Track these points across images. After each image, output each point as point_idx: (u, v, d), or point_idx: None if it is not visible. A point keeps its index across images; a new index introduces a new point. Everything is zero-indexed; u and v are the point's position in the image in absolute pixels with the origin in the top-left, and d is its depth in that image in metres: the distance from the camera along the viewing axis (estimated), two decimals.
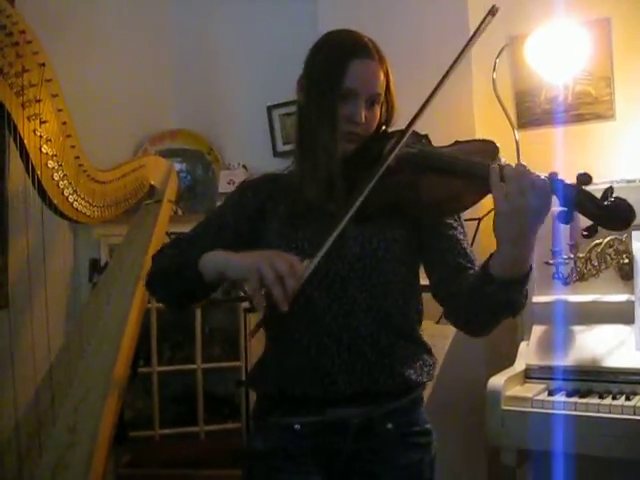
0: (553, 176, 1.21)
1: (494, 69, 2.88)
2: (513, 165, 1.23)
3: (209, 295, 1.52)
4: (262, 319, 1.36)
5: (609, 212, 1.17)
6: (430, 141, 1.50)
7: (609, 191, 1.18)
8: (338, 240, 1.33)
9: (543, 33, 2.84)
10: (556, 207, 1.23)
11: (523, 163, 1.25)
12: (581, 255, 2.44)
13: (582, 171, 1.19)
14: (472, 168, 1.31)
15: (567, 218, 1.21)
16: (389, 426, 1.45)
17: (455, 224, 1.50)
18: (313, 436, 1.44)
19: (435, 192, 1.37)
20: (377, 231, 1.44)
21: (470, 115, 2.98)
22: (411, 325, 1.50)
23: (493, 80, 2.87)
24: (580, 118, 2.91)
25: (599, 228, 1.21)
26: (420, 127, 3.14)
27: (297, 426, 1.44)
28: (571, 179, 2.70)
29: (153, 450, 3.10)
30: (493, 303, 1.31)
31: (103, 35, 3.26)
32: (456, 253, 1.45)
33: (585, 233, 1.22)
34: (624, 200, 1.17)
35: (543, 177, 1.20)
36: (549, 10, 2.83)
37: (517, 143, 2.85)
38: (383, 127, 1.53)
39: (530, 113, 3.02)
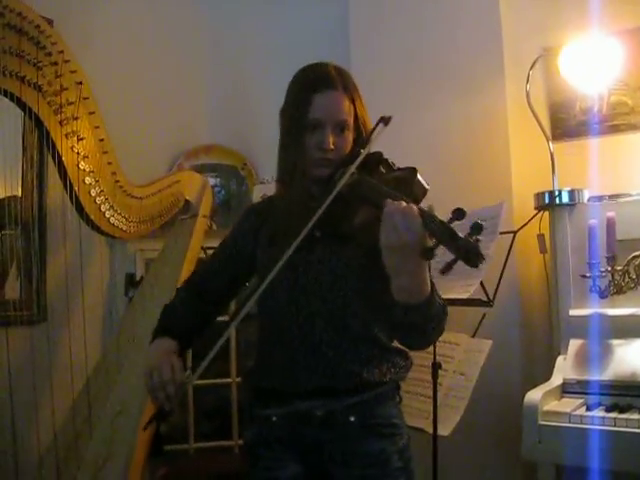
0: (427, 212, 1.31)
1: (527, 81, 2.87)
2: (395, 203, 1.32)
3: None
4: (155, 414, 1.54)
5: (462, 251, 1.23)
6: (390, 165, 1.57)
7: (475, 229, 1.24)
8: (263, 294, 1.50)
9: (577, 44, 2.82)
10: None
11: (406, 202, 1.32)
12: (619, 267, 2.40)
13: (458, 207, 1.26)
14: (377, 200, 1.39)
15: (429, 254, 1.27)
16: (352, 419, 1.58)
17: None
18: (286, 426, 1.61)
19: (363, 219, 1.48)
20: (335, 251, 1.60)
21: (504, 127, 2.97)
22: (375, 331, 1.62)
23: (527, 92, 2.86)
24: (615, 129, 2.88)
25: None
26: (454, 139, 3.14)
27: (274, 418, 1.62)
28: (607, 191, 2.65)
29: (188, 464, 3.11)
30: (398, 324, 1.44)
31: (139, 54, 3.31)
32: None
33: (443, 269, 1.26)
34: (471, 241, 1.23)
35: (417, 215, 1.29)
36: (583, 21, 2.81)
37: (552, 155, 2.83)
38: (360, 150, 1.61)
39: (565, 125, 2.99)
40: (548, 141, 2.86)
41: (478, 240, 1.24)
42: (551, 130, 2.98)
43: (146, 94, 3.29)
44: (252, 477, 1.68)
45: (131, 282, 2.94)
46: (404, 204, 1.32)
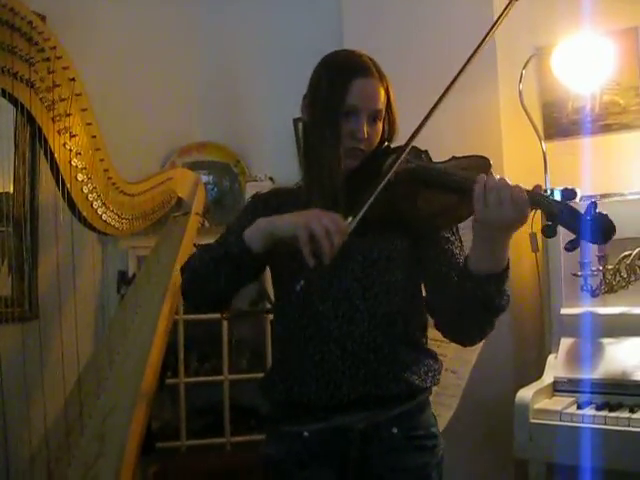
0: (536, 190, 1.27)
1: (520, 80, 2.87)
2: (496, 177, 1.29)
3: (251, 280, 1.55)
4: (312, 269, 1.35)
5: (589, 226, 1.20)
6: (430, 157, 1.55)
7: (592, 206, 1.21)
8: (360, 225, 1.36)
9: (570, 43, 2.83)
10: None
11: (505, 177, 1.29)
12: (610, 267, 2.41)
13: (569, 186, 1.25)
14: (461, 182, 1.36)
15: (550, 232, 1.25)
16: (394, 430, 1.50)
17: (452, 238, 1.54)
18: (321, 442, 1.50)
19: (429, 205, 1.43)
20: (379, 242, 1.51)
21: (497, 126, 2.97)
22: (413, 332, 1.56)
23: (520, 91, 2.87)
24: (608, 128, 2.89)
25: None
26: (447, 138, 3.14)
27: (306, 433, 1.51)
28: (599, 190, 2.66)
29: (180, 461, 3.11)
30: (471, 299, 1.36)
31: (132, 50, 3.30)
32: (450, 266, 1.48)
33: (567, 246, 1.26)
34: (605, 215, 1.21)
35: (523, 190, 1.26)
36: (576, 20, 2.82)
37: (544, 154, 2.84)
38: (386, 143, 1.58)
39: (557, 124, 3.00)
40: (540, 140, 2.87)
41: (602, 214, 1.19)
42: (543, 129, 2.99)
43: (139, 91, 3.28)
44: None
45: (123, 279, 2.93)
46: (504, 180, 1.27)
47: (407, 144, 1.46)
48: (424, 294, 1.58)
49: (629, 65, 2.83)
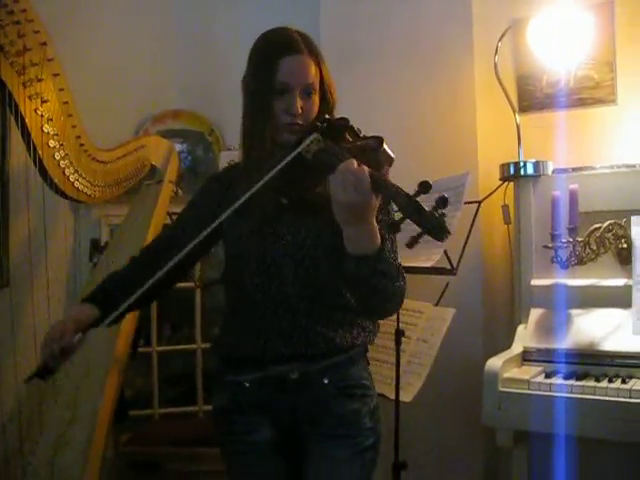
0: (377, 178, 1.32)
1: (496, 52, 2.88)
2: (347, 162, 1.34)
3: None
4: (37, 370, 1.58)
5: (430, 225, 1.24)
6: (354, 129, 1.54)
7: (440, 202, 1.24)
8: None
9: (546, 16, 2.83)
10: None
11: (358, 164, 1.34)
12: (580, 239, 2.44)
13: (425, 180, 1.26)
14: (331, 165, 1.39)
15: (395, 228, 1.31)
16: (325, 381, 1.61)
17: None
18: (259, 391, 1.63)
19: (323, 186, 1.46)
20: (305, 220, 1.60)
21: (471, 98, 2.98)
22: (346, 299, 1.62)
23: (495, 63, 2.87)
24: (582, 102, 2.91)
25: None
26: (422, 109, 3.13)
27: (247, 384, 1.64)
28: (571, 164, 2.67)
29: (152, 429, 3.13)
30: (350, 278, 1.45)
31: (106, 16, 3.25)
32: None
33: (407, 243, 1.28)
34: (439, 216, 1.24)
35: (366, 177, 1.31)
36: None
37: (518, 127, 2.85)
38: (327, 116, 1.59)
39: (531, 97, 3.02)
40: (515, 113, 2.88)
41: (443, 214, 1.24)
42: (518, 102, 3.00)
43: (114, 57, 3.23)
44: (227, 443, 1.70)
45: (95, 248, 2.92)
46: (355, 164, 1.34)
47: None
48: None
49: (604, 40, 2.84)
